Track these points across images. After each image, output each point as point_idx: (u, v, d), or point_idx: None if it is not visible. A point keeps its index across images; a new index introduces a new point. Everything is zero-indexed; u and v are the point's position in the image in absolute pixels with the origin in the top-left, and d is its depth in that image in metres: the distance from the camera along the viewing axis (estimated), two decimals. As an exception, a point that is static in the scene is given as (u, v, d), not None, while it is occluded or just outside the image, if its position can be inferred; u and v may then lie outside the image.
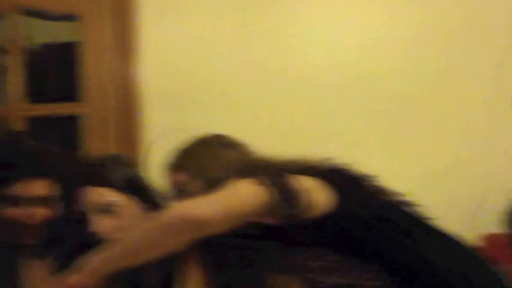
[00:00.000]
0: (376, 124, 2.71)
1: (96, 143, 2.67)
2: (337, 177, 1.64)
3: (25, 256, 1.91)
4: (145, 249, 1.50)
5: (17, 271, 1.89)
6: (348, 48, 2.70)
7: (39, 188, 1.85)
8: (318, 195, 1.55)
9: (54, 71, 3.13)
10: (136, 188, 1.90)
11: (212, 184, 1.59)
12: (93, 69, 2.73)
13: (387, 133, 2.71)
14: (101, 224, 1.81)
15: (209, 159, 1.75)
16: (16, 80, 2.81)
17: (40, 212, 1.86)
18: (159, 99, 2.66)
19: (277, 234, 1.61)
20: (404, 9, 2.73)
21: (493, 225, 2.44)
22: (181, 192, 1.73)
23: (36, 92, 2.85)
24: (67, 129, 2.76)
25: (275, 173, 1.55)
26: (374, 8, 2.74)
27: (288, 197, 1.50)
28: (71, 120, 2.76)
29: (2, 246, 1.87)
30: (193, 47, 2.69)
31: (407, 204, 1.67)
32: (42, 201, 1.86)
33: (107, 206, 1.83)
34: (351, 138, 2.66)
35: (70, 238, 1.88)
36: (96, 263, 1.53)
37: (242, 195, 1.50)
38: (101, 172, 1.89)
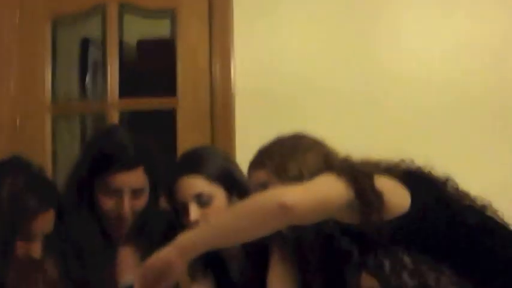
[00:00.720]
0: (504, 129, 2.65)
1: (190, 137, 2.71)
2: (417, 179, 1.63)
3: (117, 245, 1.95)
4: (234, 231, 1.48)
5: (109, 260, 1.94)
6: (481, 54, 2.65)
7: (133, 179, 1.88)
8: (396, 196, 1.55)
9: (149, 66, 3.19)
10: (229, 180, 1.92)
11: (292, 182, 1.60)
12: (187, 65, 2.78)
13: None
14: (193, 214, 1.84)
15: (289, 157, 1.74)
16: (111, 75, 2.87)
17: (132, 203, 1.89)
18: (252, 98, 2.68)
19: (354, 234, 1.61)
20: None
21: None
22: (263, 190, 1.73)
23: (131, 87, 2.91)
24: (162, 124, 2.81)
25: (354, 171, 1.55)
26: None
27: (366, 196, 1.50)
28: (167, 115, 2.80)
29: (94, 235, 1.91)
30: (287, 47, 2.70)
31: (488, 209, 1.66)
32: (136, 192, 1.89)
33: (200, 197, 1.86)
34: (471, 143, 2.61)
35: (161, 227, 1.92)
36: (185, 240, 1.49)
37: (328, 187, 1.50)
38: (195, 163, 1.92)
